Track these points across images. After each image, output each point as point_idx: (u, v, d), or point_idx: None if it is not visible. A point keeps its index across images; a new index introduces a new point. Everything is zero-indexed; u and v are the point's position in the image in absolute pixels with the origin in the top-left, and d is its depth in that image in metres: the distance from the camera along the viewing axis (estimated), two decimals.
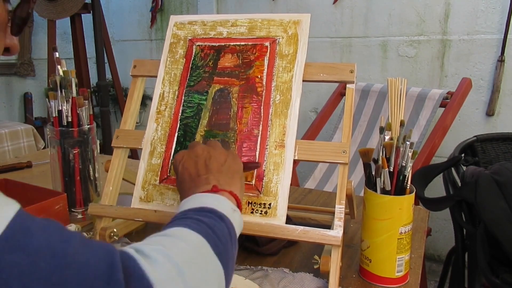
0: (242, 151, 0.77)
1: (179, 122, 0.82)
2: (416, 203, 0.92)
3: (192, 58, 0.85)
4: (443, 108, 1.96)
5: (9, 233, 0.35)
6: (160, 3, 3.03)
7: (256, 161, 0.75)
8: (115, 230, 0.83)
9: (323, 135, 2.29)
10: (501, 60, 2.08)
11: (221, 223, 0.54)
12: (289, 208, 0.74)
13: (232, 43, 0.83)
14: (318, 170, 2.17)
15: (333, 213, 0.74)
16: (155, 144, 0.82)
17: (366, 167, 0.79)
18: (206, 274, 0.47)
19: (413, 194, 0.76)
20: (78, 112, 1.03)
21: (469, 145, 1.75)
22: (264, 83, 0.80)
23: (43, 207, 0.89)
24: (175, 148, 0.80)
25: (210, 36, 0.85)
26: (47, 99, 1.03)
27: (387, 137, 0.78)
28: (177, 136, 0.81)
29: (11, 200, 0.38)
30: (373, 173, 0.77)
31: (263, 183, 0.74)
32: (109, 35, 2.84)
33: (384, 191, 0.76)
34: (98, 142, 1.11)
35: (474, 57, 2.17)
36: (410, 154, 0.75)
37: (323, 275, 0.77)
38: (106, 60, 2.72)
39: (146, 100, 2.81)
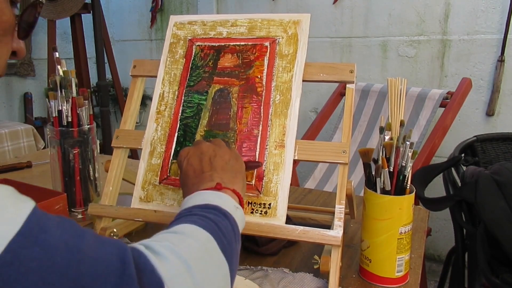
0: (242, 151, 0.77)
1: (179, 122, 0.82)
2: (416, 203, 0.92)
3: (192, 58, 0.85)
4: (443, 108, 1.96)
5: (26, 229, 0.36)
6: (160, 3, 3.03)
7: (262, 165, 0.75)
8: (115, 230, 0.83)
9: (323, 135, 2.29)
10: (501, 60, 2.08)
11: (225, 220, 0.55)
12: (289, 208, 0.74)
13: (232, 43, 0.83)
14: (318, 170, 2.17)
15: (333, 213, 0.74)
16: (155, 144, 0.82)
17: (366, 167, 0.79)
18: (213, 269, 0.48)
19: (413, 194, 0.76)
20: (78, 112, 1.03)
21: (469, 145, 1.75)
22: (264, 83, 0.80)
23: (43, 207, 0.89)
24: (175, 148, 0.80)
25: (210, 36, 0.85)
26: (47, 99, 1.03)
27: (387, 137, 0.78)
28: (177, 136, 0.81)
29: (27, 198, 0.39)
30: (373, 173, 0.77)
31: (263, 183, 0.74)
32: (109, 35, 2.84)
33: (384, 191, 0.76)
34: (98, 142, 1.11)
35: (474, 57, 2.17)
36: (410, 154, 0.75)
37: (323, 275, 0.77)
38: (106, 60, 2.72)
39: (146, 100, 2.81)
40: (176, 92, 0.84)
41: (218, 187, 0.61)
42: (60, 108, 1.02)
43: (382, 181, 0.76)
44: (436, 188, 1.84)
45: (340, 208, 0.71)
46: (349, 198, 0.83)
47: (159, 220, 0.77)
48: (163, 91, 0.84)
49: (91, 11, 2.61)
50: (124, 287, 0.39)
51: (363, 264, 0.79)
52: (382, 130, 0.78)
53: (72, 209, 1.05)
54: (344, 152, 0.73)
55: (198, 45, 0.85)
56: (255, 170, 0.75)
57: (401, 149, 0.76)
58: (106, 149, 2.37)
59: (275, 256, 0.87)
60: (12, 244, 0.35)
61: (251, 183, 0.75)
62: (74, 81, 1.03)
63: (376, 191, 0.76)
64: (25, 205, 0.38)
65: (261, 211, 0.73)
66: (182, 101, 0.83)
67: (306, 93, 2.54)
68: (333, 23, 2.47)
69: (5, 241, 0.35)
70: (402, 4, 2.28)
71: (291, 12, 2.34)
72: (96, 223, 0.83)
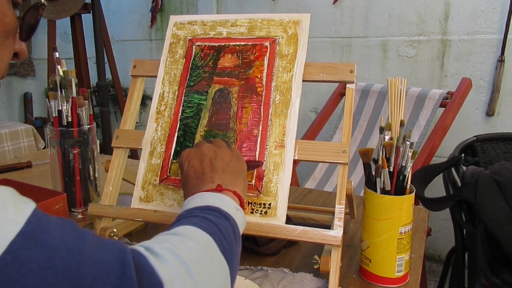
0: (242, 151, 0.77)
1: (179, 122, 0.82)
2: (416, 203, 0.92)
3: (192, 58, 0.85)
4: (443, 108, 1.96)
5: (27, 230, 0.36)
6: (160, 3, 3.03)
7: (263, 165, 0.75)
8: (115, 230, 0.83)
9: (323, 135, 2.29)
10: (501, 60, 2.08)
11: (226, 221, 0.55)
12: (289, 208, 0.74)
13: (232, 43, 0.83)
14: (318, 170, 2.17)
15: (333, 213, 0.74)
16: (155, 144, 0.82)
17: (366, 167, 0.79)
18: (213, 271, 0.49)
19: (413, 194, 0.76)
20: (78, 112, 1.03)
21: (469, 145, 1.74)
22: (264, 83, 0.80)
23: (43, 207, 0.89)
24: (175, 148, 0.80)
25: (210, 36, 0.85)
26: (47, 99, 1.03)
27: (387, 137, 0.78)
28: (177, 136, 0.81)
29: (27, 199, 0.39)
30: (373, 173, 0.77)
31: (263, 183, 0.74)
32: (109, 35, 2.84)
33: (384, 191, 0.76)
34: (98, 142, 1.11)
35: (474, 57, 2.17)
36: (410, 154, 0.75)
37: (323, 275, 0.77)
38: (106, 60, 2.72)
39: (146, 100, 2.81)
40: (176, 92, 0.84)
41: (219, 189, 0.61)
42: (60, 108, 1.02)
43: (382, 181, 0.76)
44: (436, 188, 1.84)
45: (340, 208, 0.71)
46: (349, 198, 0.83)
47: (159, 220, 0.77)
48: (163, 91, 0.84)
49: (91, 11, 2.61)
50: None
51: (363, 264, 0.79)
52: (382, 130, 0.78)
53: (72, 209, 1.05)
54: (344, 152, 0.73)
55: (198, 45, 0.85)
56: (255, 170, 0.75)
57: (401, 149, 0.76)
58: (106, 149, 2.37)
59: (275, 256, 0.87)
60: (13, 245, 0.35)
61: (251, 183, 0.75)
62: (74, 81, 1.03)
63: (376, 191, 0.76)
64: (26, 206, 0.38)
65: (261, 211, 0.73)
66: (182, 101, 0.83)
67: (306, 93, 2.54)
68: (333, 23, 2.47)
69: (5, 242, 0.35)
70: (402, 4, 2.28)
71: (291, 12, 2.34)
72: (96, 223, 0.83)
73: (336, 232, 0.70)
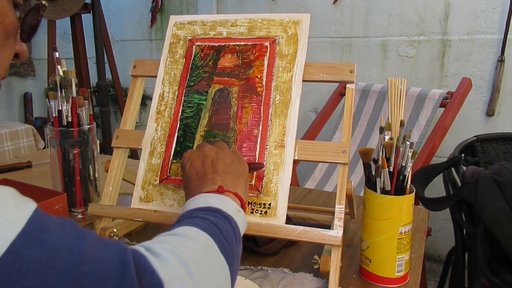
0: (242, 151, 0.77)
1: (179, 122, 0.82)
2: (416, 203, 0.92)
3: (192, 58, 0.85)
4: (443, 108, 1.96)
5: (28, 230, 0.36)
6: (160, 3, 3.03)
7: (258, 161, 0.76)
8: (115, 230, 0.83)
9: (323, 135, 2.29)
10: (501, 60, 2.08)
11: (226, 222, 0.55)
12: (289, 208, 0.74)
13: (232, 43, 0.83)
14: (318, 170, 2.17)
15: (333, 213, 0.74)
16: (155, 144, 0.82)
17: (366, 167, 0.79)
18: (213, 272, 0.49)
19: (413, 194, 0.76)
20: (78, 112, 1.03)
21: (469, 145, 1.74)
22: (264, 83, 0.80)
23: (43, 207, 0.89)
24: (175, 148, 0.80)
25: (210, 36, 0.85)
26: (47, 99, 1.03)
27: (387, 137, 0.78)
28: (177, 136, 0.81)
29: (28, 199, 0.39)
30: (373, 173, 0.77)
31: (263, 183, 0.74)
32: (109, 35, 2.84)
33: (384, 191, 0.76)
34: (98, 142, 1.11)
35: (474, 57, 2.17)
36: (410, 154, 0.75)
37: (323, 275, 0.77)
38: (106, 60, 2.72)
39: (146, 100, 2.81)
40: (176, 92, 0.84)
41: (220, 190, 0.61)
42: (60, 108, 1.02)
43: (382, 181, 0.76)
44: (436, 188, 1.84)
45: (340, 208, 0.71)
46: (349, 198, 0.83)
47: (159, 220, 0.77)
48: (163, 91, 0.84)
49: (91, 11, 2.61)
50: None
51: (363, 264, 0.79)
52: (382, 130, 0.78)
53: (72, 209, 1.05)
54: (344, 152, 0.73)
55: (198, 45, 0.85)
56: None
57: (401, 149, 0.76)
58: (106, 149, 2.37)
59: (275, 256, 0.87)
60: (14, 244, 0.35)
61: (251, 183, 0.75)
62: (74, 81, 1.03)
63: (376, 191, 0.76)
64: (27, 206, 0.38)
65: (261, 211, 0.73)
66: (182, 101, 0.83)
67: (306, 93, 2.54)
68: (333, 23, 2.47)
69: (7, 242, 0.35)
70: (402, 4, 2.28)
71: (291, 12, 2.34)
72: (96, 223, 0.83)
73: (336, 232, 0.70)
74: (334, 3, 2.44)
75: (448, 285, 1.77)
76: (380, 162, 0.75)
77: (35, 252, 0.36)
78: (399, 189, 0.76)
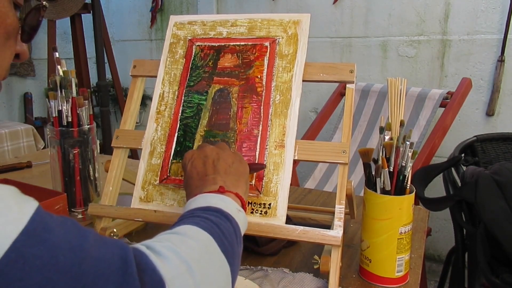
0: (242, 151, 0.77)
1: (179, 122, 0.82)
2: (416, 203, 0.92)
3: (192, 58, 0.85)
4: (443, 108, 1.96)
5: (30, 228, 0.37)
6: (160, 3, 3.03)
7: (258, 162, 0.76)
8: (115, 230, 0.83)
9: (323, 135, 2.29)
10: (501, 60, 2.08)
11: (227, 222, 0.56)
12: (289, 208, 0.74)
13: (232, 43, 0.83)
14: (318, 170, 2.17)
15: (333, 213, 0.74)
16: (155, 144, 0.82)
17: (366, 167, 0.79)
18: (214, 270, 0.49)
19: (413, 194, 0.76)
20: (78, 112, 1.03)
21: (469, 145, 1.74)
22: (264, 83, 0.80)
23: (43, 207, 0.89)
24: (175, 148, 0.80)
25: (210, 36, 0.85)
26: (47, 99, 1.03)
27: (387, 137, 0.78)
28: (177, 136, 0.81)
29: (30, 198, 0.40)
30: (373, 173, 0.77)
31: (263, 183, 0.74)
32: (109, 35, 2.84)
33: (384, 191, 0.76)
34: (98, 142, 1.11)
35: (474, 57, 2.17)
36: (410, 154, 0.75)
37: (323, 275, 0.77)
38: (106, 60, 2.72)
39: (146, 100, 2.81)
40: (176, 92, 0.84)
41: (221, 190, 0.62)
42: (60, 108, 1.02)
43: (382, 181, 0.76)
44: (436, 188, 1.84)
45: (340, 208, 0.71)
46: (349, 198, 0.83)
47: (159, 220, 0.77)
48: (163, 91, 0.84)
49: (91, 11, 2.61)
50: (126, 286, 0.39)
51: (363, 264, 0.79)
52: (382, 130, 0.78)
53: (72, 209, 1.05)
54: (344, 152, 0.73)
55: (198, 45, 0.85)
56: None
57: (401, 149, 0.76)
58: (106, 149, 2.37)
59: (275, 256, 0.87)
60: (17, 242, 0.35)
61: (251, 183, 0.75)
62: (74, 81, 1.03)
63: (376, 191, 0.76)
64: (29, 205, 0.38)
65: (261, 211, 0.73)
66: (182, 101, 0.83)
67: (306, 93, 2.54)
68: (333, 23, 2.47)
69: (9, 240, 0.35)
70: (402, 4, 2.28)
71: (291, 12, 2.34)
72: (96, 223, 0.83)
73: (336, 232, 0.70)
74: (334, 3, 2.44)
75: (448, 285, 1.77)
76: (380, 162, 0.75)
77: (38, 250, 0.36)
78: (399, 189, 0.76)
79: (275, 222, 0.72)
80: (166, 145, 0.81)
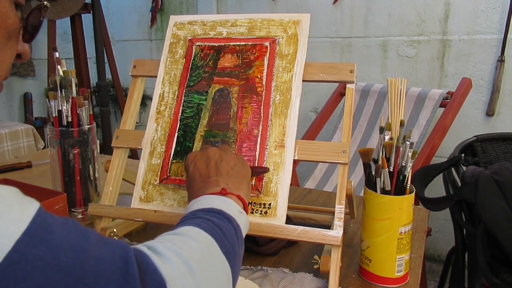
0: (242, 151, 0.77)
1: (179, 122, 0.82)
2: (416, 203, 0.92)
3: (192, 58, 0.85)
4: (443, 108, 1.96)
5: (32, 229, 0.37)
6: (160, 3, 3.03)
7: (258, 162, 0.76)
8: (115, 230, 0.83)
9: (323, 135, 2.29)
10: (501, 60, 2.08)
11: (228, 224, 0.56)
12: (289, 208, 0.74)
13: (232, 43, 0.83)
14: (318, 170, 2.17)
15: (333, 213, 0.74)
16: (155, 144, 0.82)
17: (366, 167, 0.79)
18: (214, 271, 0.49)
19: (413, 194, 0.76)
20: (78, 112, 1.03)
21: (469, 145, 1.74)
22: (264, 83, 0.80)
23: (43, 207, 0.89)
24: (175, 148, 0.80)
25: (210, 36, 0.85)
26: (47, 99, 1.03)
27: (387, 137, 0.78)
28: (177, 136, 0.81)
29: (31, 199, 0.40)
30: (373, 173, 0.77)
31: (263, 183, 0.74)
32: (109, 35, 2.84)
33: (384, 191, 0.76)
34: (98, 142, 1.11)
35: (474, 57, 2.17)
36: (410, 154, 0.75)
37: (323, 275, 0.77)
38: (106, 60, 2.72)
39: (146, 100, 2.81)
40: (176, 92, 0.84)
41: (223, 192, 0.62)
42: (60, 108, 1.02)
43: (382, 181, 0.76)
44: (436, 188, 1.84)
45: (340, 208, 0.71)
46: (349, 198, 0.83)
47: (159, 220, 0.77)
48: (163, 91, 0.84)
49: (91, 11, 2.61)
50: (127, 287, 0.39)
51: (363, 264, 0.79)
52: (382, 130, 0.78)
53: (72, 209, 1.05)
54: (344, 152, 0.73)
55: (198, 45, 0.85)
56: None
57: (401, 149, 0.76)
58: (106, 149, 2.37)
59: (275, 256, 0.87)
60: (19, 243, 0.35)
61: (251, 183, 0.75)
62: (74, 81, 1.03)
63: (376, 191, 0.76)
64: (31, 206, 0.39)
65: (261, 211, 0.73)
66: (182, 101, 0.83)
67: (306, 93, 2.54)
68: (333, 23, 2.47)
69: (12, 240, 0.35)
70: (402, 4, 2.28)
71: (291, 12, 2.34)
72: (96, 223, 0.83)
73: (336, 232, 0.70)
74: (334, 3, 2.44)
75: (448, 285, 1.77)
76: (380, 162, 0.75)
77: (40, 251, 0.36)
78: (399, 189, 0.76)
79: (275, 222, 0.72)
80: (166, 145, 0.81)
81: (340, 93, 2.27)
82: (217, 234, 0.52)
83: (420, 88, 2.09)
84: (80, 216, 1.05)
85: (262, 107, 0.78)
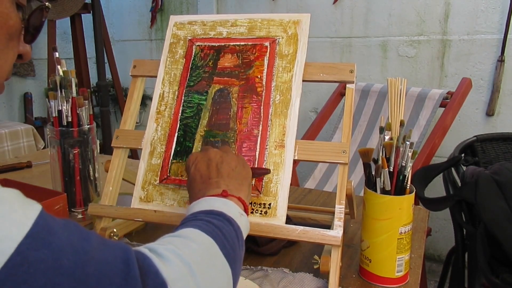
0: (242, 151, 0.77)
1: (179, 122, 0.82)
2: (416, 203, 0.92)
3: (192, 58, 0.85)
4: (443, 108, 1.96)
5: (35, 231, 0.37)
6: (160, 3, 3.03)
7: (258, 162, 0.76)
8: (115, 230, 0.83)
9: (323, 135, 2.29)
10: (501, 60, 2.08)
11: (229, 226, 0.56)
12: (289, 208, 0.74)
13: (232, 43, 0.83)
14: (318, 170, 2.17)
15: (333, 213, 0.74)
16: (155, 144, 0.82)
17: (366, 167, 0.79)
18: (215, 273, 0.49)
19: (413, 194, 0.76)
20: (78, 112, 1.03)
21: (469, 145, 1.74)
22: (264, 83, 0.80)
23: (43, 207, 0.89)
24: (175, 148, 0.80)
25: (210, 36, 0.85)
26: (47, 99, 1.03)
27: (387, 137, 0.78)
28: (177, 136, 0.81)
29: (33, 201, 0.40)
30: (373, 173, 0.77)
31: (263, 183, 0.74)
32: (109, 35, 2.84)
33: (384, 191, 0.76)
34: (98, 142, 1.11)
35: (474, 57, 2.17)
36: (410, 154, 0.75)
37: (323, 275, 0.77)
38: (106, 60, 2.72)
39: (146, 100, 2.81)
40: (176, 92, 0.84)
41: (224, 194, 0.62)
42: (60, 108, 1.02)
43: (382, 181, 0.76)
44: (436, 188, 1.84)
45: (340, 208, 0.71)
46: (349, 198, 0.83)
47: (159, 220, 0.77)
48: (163, 91, 0.84)
49: (91, 11, 2.61)
50: None
51: (363, 264, 0.79)
52: (382, 130, 0.78)
53: (72, 209, 1.05)
54: (344, 152, 0.73)
55: (198, 45, 0.85)
56: None
57: (401, 149, 0.76)
58: (106, 149, 2.37)
59: (275, 256, 0.87)
60: (22, 246, 0.36)
61: (252, 184, 0.75)
62: (74, 81, 1.03)
63: (376, 191, 0.76)
64: (32, 208, 0.39)
65: (261, 211, 0.73)
66: (182, 101, 0.83)
67: (306, 93, 2.54)
68: (333, 23, 2.47)
69: (15, 243, 0.35)
70: (402, 4, 2.28)
71: (291, 12, 2.34)
72: (96, 223, 0.83)
73: (336, 232, 0.70)
74: (334, 3, 2.44)
75: (448, 285, 1.77)
76: (380, 162, 0.75)
77: (42, 253, 0.36)
78: (399, 189, 0.76)
79: (275, 222, 0.72)
80: (166, 145, 0.81)
81: (340, 93, 2.27)
82: (217, 236, 0.52)
83: (420, 88, 2.09)
84: (80, 216, 1.05)
85: (262, 107, 0.78)
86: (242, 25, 0.84)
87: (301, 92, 0.78)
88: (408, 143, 0.75)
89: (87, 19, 2.73)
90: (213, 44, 0.84)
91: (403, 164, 0.76)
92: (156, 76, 0.86)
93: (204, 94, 0.82)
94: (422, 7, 2.24)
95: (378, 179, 0.76)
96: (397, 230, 0.75)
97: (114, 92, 2.96)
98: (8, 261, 0.35)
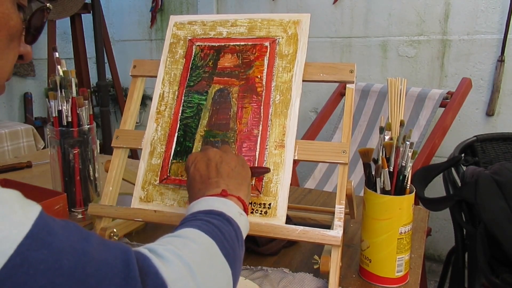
0: (242, 151, 0.77)
1: (179, 122, 0.82)
2: (416, 203, 0.92)
3: (192, 58, 0.85)
4: (443, 108, 1.96)
5: (34, 232, 0.37)
6: (160, 3, 3.03)
7: (258, 162, 0.76)
8: (115, 230, 0.83)
9: (323, 135, 2.29)
10: (501, 60, 2.08)
11: (228, 225, 0.56)
12: (289, 208, 0.74)
13: (232, 43, 0.83)
14: (318, 170, 2.17)
15: (333, 213, 0.74)
16: (155, 144, 0.82)
17: (366, 167, 0.79)
18: (215, 273, 0.49)
19: (413, 194, 0.76)
20: (78, 112, 1.03)
21: (469, 145, 1.74)
22: (264, 83, 0.80)
23: (43, 207, 0.89)
24: (175, 148, 0.80)
25: (210, 36, 0.85)
26: (47, 99, 1.03)
27: (387, 137, 0.78)
28: (177, 136, 0.81)
29: (33, 202, 0.40)
30: (373, 173, 0.77)
31: (263, 183, 0.74)
32: (109, 35, 2.84)
33: (384, 191, 0.76)
34: (98, 142, 1.11)
35: (474, 57, 2.17)
36: (410, 154, 0.75)
37: (323, 275, 0.77)
38: (106, 60, 2.72)
39: (146, 100, 2.81)
40: (176, 92, 0.84)
41: (223, 194, 0.62)
42: (60, 108, 1.02)
43: (382, 181, 0.76)
44: (436, 188, 1.84)
45: (340, 208, 0.71)
46: (349, 198, 0.83)
47: (159, 220, 0.77)
48: (163, 91, 0.84)
49: (91, 11, 2.61)
50: None
51: (363, 264, 0.79)
52: (382, 130, 0.78)
53: (72, 209, 1.05)
54: (344, 152, 0.73)
55: (198, 45, 0.85)
56: None
57: (401, 149, 0.76)
58: (106, 149, 2.37)
59: (275, 256, 0.87)
60: (21, 246, 0.36)
61: (251, 184, 0.75)
62: (74, 81, 1.03)
63: (376, 191, 0.76)
64: (32, 209, 0.39)
65: (261, 211, 0.73)
66: (182, 101, 0.83)
67: (306, 93, 2.54)
68: (333, 23, 2.47)
69: (14, 244, 0.35)
70: (402, 4, 2.28)
71: (291, 12, 2.34)
72: (96, 223, 0.83)
73: (336, 232, 0.70)
74: (334, 3, 2.44)
75: (448, 285, 1.77)
76: (380, 162, 0.75)
77: (42, 254, 0.36)
78: (399, 189, 0.76)
79: (275, 222, 0.72)
80: (166, 145, 0.81)
81: (340, 93, 2.27)
82: (217, 236, 0.52)
83: (420, 88, 2.09)
84: (80, 216, 1.05)
85: (262, 107, 0.78)
86: (242, 25, 0.84)
87: (301, 92, 0.78)
88: (408, 143, 0.75)
89: (87, 19, 2.73)
90: (213, 44, 0.84)
91: (403, 164, 0.76)
92: (156, 76, 0.86)
93: (204, 94, 0.82)
94: (422, 7, 2.24)
95: (378, 179, 0.76)
96: (397, 230, 0.75)
97: (114, 92, 2.96)
98: (8, 261, 0.35)
